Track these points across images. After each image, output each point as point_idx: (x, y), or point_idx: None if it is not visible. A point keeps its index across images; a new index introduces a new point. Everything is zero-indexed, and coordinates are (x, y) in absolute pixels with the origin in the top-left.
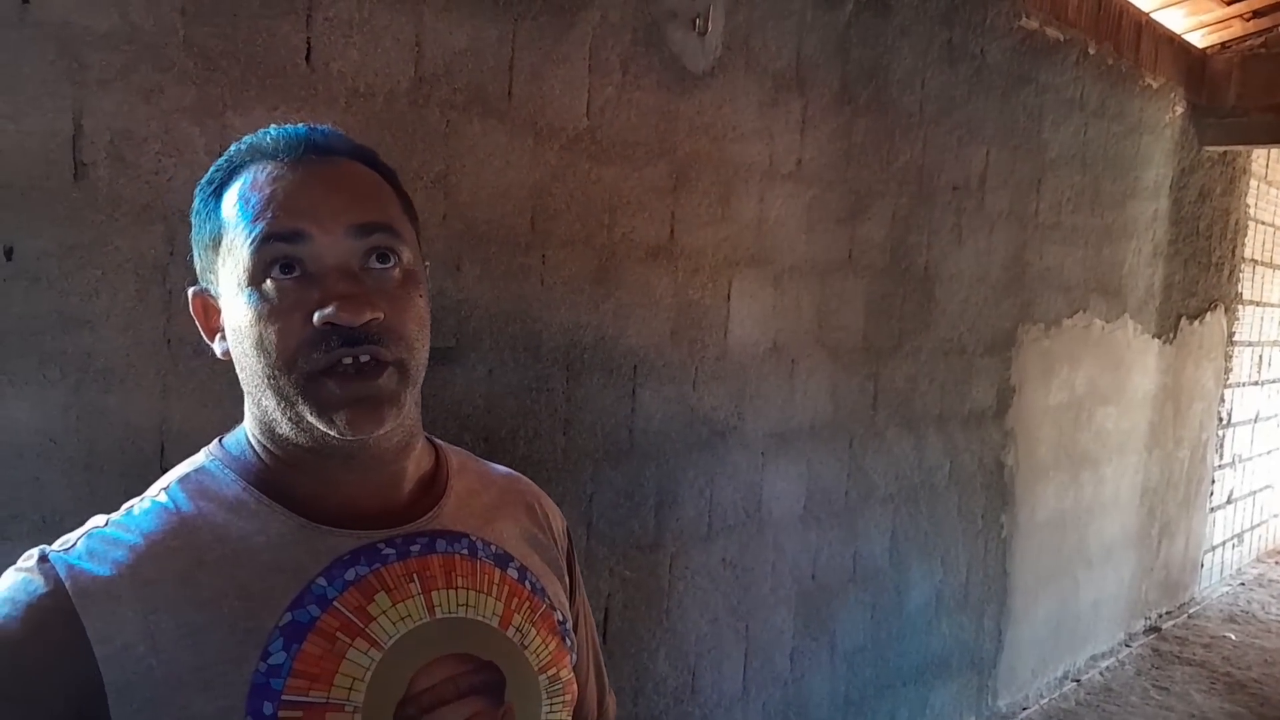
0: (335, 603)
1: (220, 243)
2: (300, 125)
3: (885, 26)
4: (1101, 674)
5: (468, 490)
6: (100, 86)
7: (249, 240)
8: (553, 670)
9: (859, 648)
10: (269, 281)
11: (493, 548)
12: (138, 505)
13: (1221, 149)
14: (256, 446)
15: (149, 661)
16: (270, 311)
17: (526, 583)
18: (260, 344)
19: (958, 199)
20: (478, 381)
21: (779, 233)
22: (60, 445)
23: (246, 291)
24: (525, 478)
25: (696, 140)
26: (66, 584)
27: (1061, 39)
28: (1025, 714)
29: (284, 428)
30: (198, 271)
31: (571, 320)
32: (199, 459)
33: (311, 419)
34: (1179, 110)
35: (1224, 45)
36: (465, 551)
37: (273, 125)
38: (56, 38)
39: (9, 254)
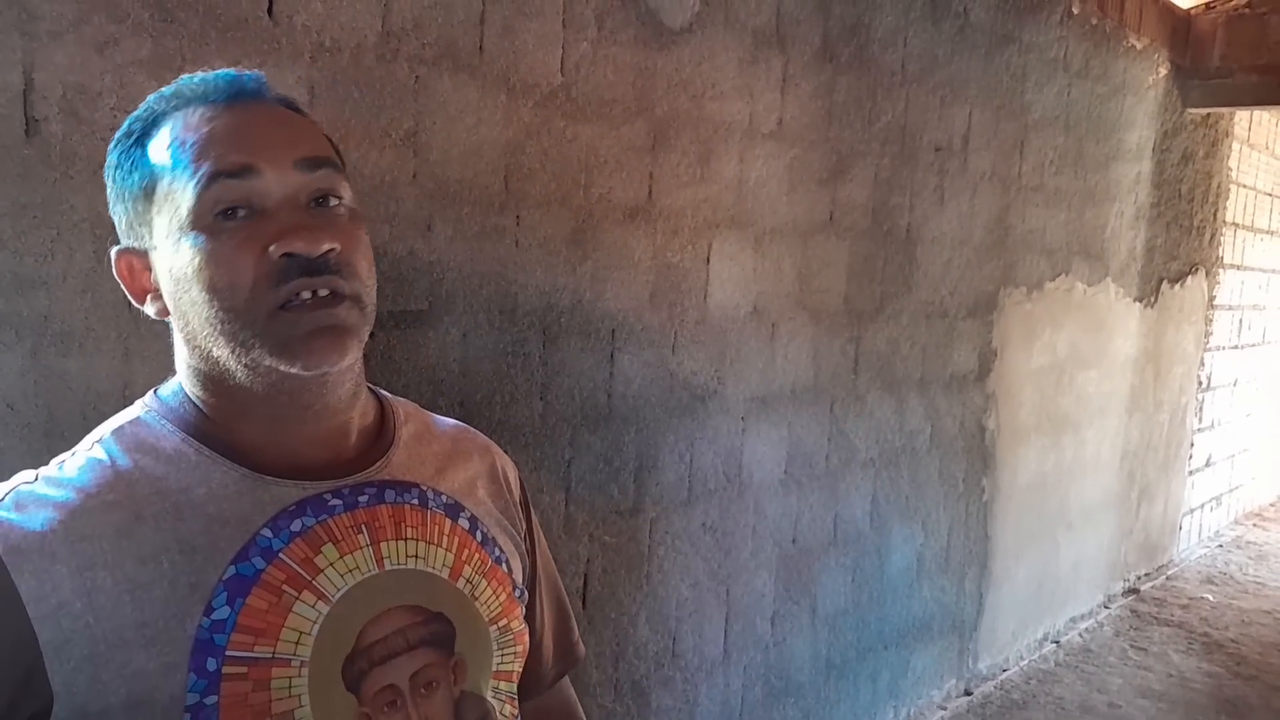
0: (281, 555)
1: (153, 191)
2: (227, 69)
3: None
4: (1081, 635)
5: (417, 440)
6: (52, 38)
7: (193, 180)
8: (503, 621)
9: (840, 611)
10: (217, 221)
11: (444, 497)
12: (69, 460)
13: (1205, 111)
14: (197, 402)
15: (86, 619)
16: (222, 251)
17: (477, 533)
18: (212, 285)
19: (940, 160)
20: (452, 345)
21: (760, 194)
22: (18, 411)
23: (191, 235)
24: (473, 429)
25: (675, 98)
26: None
27: None
28: (1005, 675)
29: (238, 375)
30: (121, 230)
31: (548, 283)
32: (134, 411)
33: (271, 360)
34: (1163, 72)
35: (1208, 5)
36: (416, 501)
37: (193, 73)
38: None
39: None
